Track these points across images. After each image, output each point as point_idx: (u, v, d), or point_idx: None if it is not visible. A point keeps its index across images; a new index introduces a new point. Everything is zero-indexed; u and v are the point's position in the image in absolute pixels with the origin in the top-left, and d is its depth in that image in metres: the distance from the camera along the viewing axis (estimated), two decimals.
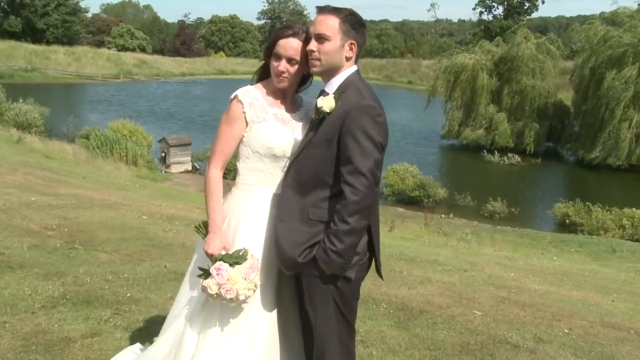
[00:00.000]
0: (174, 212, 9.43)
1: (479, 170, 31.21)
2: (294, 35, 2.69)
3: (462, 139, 36.24)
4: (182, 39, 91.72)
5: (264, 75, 2.85)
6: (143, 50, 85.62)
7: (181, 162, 25.71)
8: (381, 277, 2.85)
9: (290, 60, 2.70)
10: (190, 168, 25.95)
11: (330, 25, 2.57)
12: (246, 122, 2.73)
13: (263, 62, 2.85)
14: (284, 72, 2.71)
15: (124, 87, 60.54)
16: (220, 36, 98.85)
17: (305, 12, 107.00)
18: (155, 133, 29.57)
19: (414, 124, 41.90)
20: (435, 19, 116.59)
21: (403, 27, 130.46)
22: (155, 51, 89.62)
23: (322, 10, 2.64)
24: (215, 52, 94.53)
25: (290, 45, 2.68)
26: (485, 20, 77.96)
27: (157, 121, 39.15)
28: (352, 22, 2.60)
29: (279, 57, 2.70)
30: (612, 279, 9.58)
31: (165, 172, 24.91)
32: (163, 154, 25.70)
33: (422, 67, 77.07)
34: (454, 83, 36.45)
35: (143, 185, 16.86)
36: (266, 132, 2.73)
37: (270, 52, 2.75)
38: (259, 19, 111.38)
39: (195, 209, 10.71)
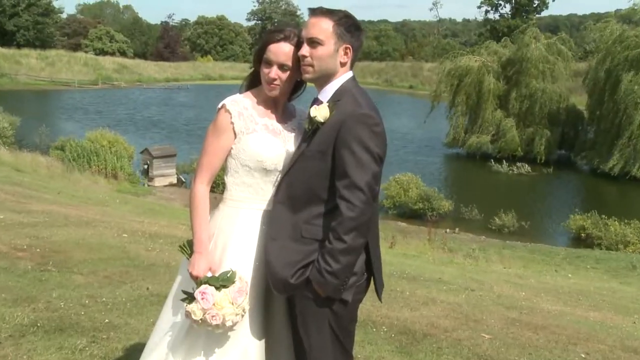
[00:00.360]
0: (157, 230, 9.41)
1: (486, 180, 31.28)
2: (286, 39, 2.71)
3: (467, 147, 36.34)
4: (166, 42, 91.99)
5: (253, 82, 2.86)
6: (123, 54, 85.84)
7: (165, 175, 25.65)
8: (380, 299, 2.86)
9: (281, 67, 2.71)
10: (175, 181, 25.89)
11: (324, 28, 2.59)
12: (235, 134, 2.74)
13: (252, 68, 2.86)
14: (275, 80, 2.72)
15: (103, 94, 60.60)
16: (207, 39, 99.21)
17: (298, 13, 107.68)
18: (137, 143, 29.56)
19: (415, 131, 42.03)
20: (438, 18, 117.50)
21: (403, 28, 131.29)
22: (137, 55, 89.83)
23: (314, 12, 2.65)
24: (202, 56, 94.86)
25: (282, 51, 2.70)
26: (491, 19, 78.41)
27: (139, 130, 39.19)
28: (347, 24, 2.62)
29: (269, 64, 2.72)
30: (632, 298, 9.57)
31: (148, 185, 24.85)
32: (145, 166, 25.64)
33: (424, 71, 77.53)
34: (457, 87, 36.61)
35: (124, 200, 16.84)
36: (256, 144, 2.73)
37: (260, 58, 2.76)
38: (248, 19, 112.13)
39: (181, 225, 10.69)
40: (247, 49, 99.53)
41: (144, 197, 21.08)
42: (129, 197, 19.16)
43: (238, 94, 2.84)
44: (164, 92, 65.93)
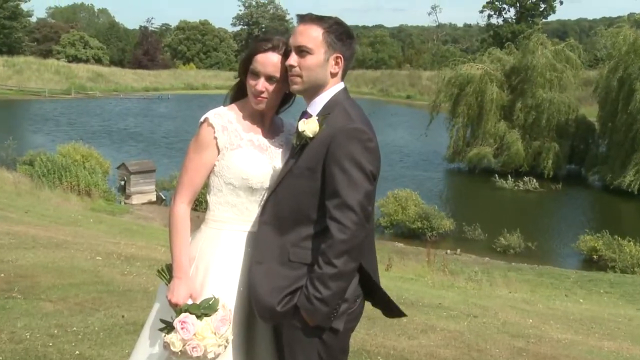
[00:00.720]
0: (134, 252, 9.38)
1: (489, 197, 31.37)
2: (274, 49, 2.73)
3: (467, 160, 36.44)
4: (145, 49, 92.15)
5: (239, 94, 2.89)
6: (98, 61, 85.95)
7: (144, 192, 25.62)
8: (403, 314, 2.85)
9: (269, 78, 2.73)
10: (154, 198, 25.87)
11: (313, 36, 2.61)
12: (218, 149, 2.75)
13: (238, 79, 2.88)
14: (262, 92, 2.74)
15: (76, 104, 60.55)
16: (190, 45, 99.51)
17: (287, 17, 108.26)
18: (113, 158, 29.56)
19: (413, 144, 42.22)
20: (437, 23, 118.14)
21: (400, 34, 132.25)
22: (113, 62, 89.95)
23: (303, 19, 2.68)
24: (184, 64, 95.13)
25: (270, 61, 2.72)
26: (494, 24, 79.24)
27: (115, 144, 39.21)
28: (338, 32, 2.65)
29: (256, 75, 2.73)
30: None
31: (125, 203, 24.81)
32: (122, 183, 25.62)
33: (423, 79, 77.93)
34: (458, 97, 36.80)
35: (98, 219, 16.78)
36: (241, 160, 2.74)
37: (246, 69, 2.78)
38: (234, 25, 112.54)
39: (160, 247, 10.65)
40: (233, 56, 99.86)
41: (120, 216, 21.02)
42: (104, 216, 19.10)
43: (222, 107, 2.86)
44: (143, 103, 65.99)
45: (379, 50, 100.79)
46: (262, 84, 2.72)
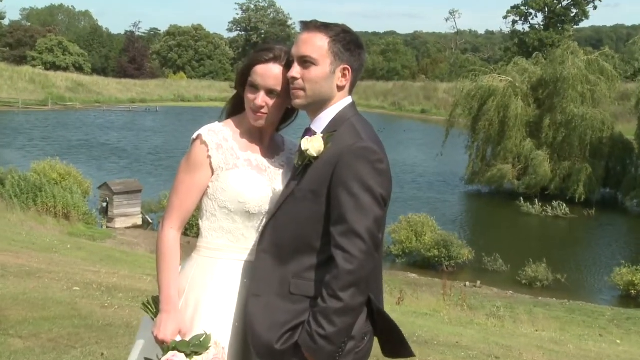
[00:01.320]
0: (116, 281, 9.38)
1: (514, 223, 31.30)
2: (275, 60, 2.75)
3: (487, 181, 36.40)
4: (131, 56, 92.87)
5: (236, 109, 2.90)
6: (79, 69, 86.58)
7: (128, 215, 25.68)
8: (412, 354, 2.80)
9: (270, 92, 2.74)
10: (139, 222, 25.92)
11: (318, 45, 2.64)
12: (212, 170, 2.76)
13: (235, 92, 2.90)
14: (262, 107, 2.75)
15: (53, 116, 60.87)
16: (181, 52, 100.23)
17: (289, 23, 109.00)
18: (93, 176, 29.62)
19: (428, 164, 42.28)
20: (456, 30, 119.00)
21: (415, 41, 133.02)
22: (96, 71, 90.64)
23: (307, 26, 2.70)
24: (174, 73, 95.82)
25: (271, 73, 2.74)
26: (519, 31, 79.68)
27: (95, 161, 39.42)
28: (346, 41, 2.67)
29: (255, 88, 2.75)
30: None
31: (107, 227, 24.86)
32: (104, 204, 25.66)
33: (439, 92, 78.26)
34: (479, 112, 36.86)
35: (76, 245, 16.79)
36: (237, 182, 2.75)
37: (244, 81, 2.80)
38: (230, 30, 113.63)
39: (145, 276, 10.66)
40: (228, 65, 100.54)
41: (101, 242, 21.03)
42: (83, 241, 19.11)
43: (217, 123, 2.87)
44: (128, 116, 66.35)
45: (391, 59, 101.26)
46: (261, 99, 2.74)
